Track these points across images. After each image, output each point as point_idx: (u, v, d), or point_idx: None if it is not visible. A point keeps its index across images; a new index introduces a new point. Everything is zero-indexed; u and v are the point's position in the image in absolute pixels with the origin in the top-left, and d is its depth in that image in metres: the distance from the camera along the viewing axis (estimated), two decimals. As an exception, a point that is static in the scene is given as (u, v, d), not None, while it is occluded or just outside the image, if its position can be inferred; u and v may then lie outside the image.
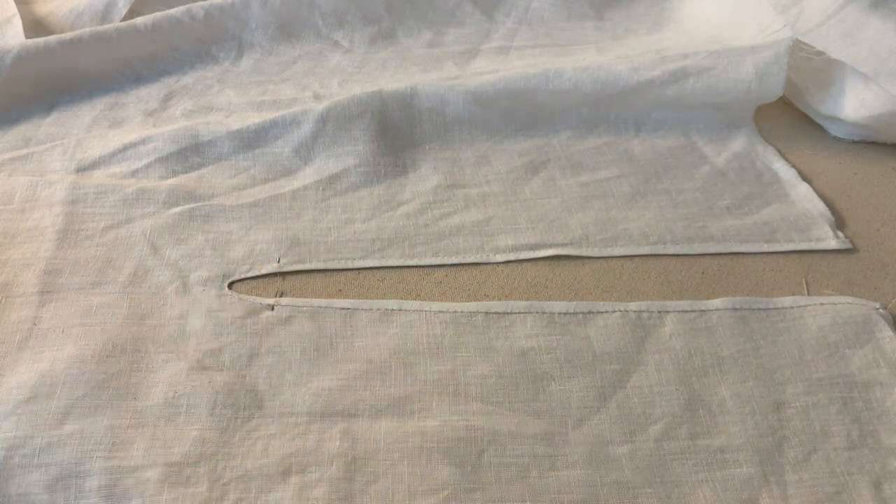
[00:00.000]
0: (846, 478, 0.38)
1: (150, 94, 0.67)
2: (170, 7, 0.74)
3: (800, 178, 0.58)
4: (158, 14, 0.71)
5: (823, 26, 0.61)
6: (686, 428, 0.40)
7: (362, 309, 0.47)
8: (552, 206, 0.55)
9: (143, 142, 0.58)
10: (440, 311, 0.47)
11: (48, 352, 0.43)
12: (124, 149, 0.58)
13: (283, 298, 0.47)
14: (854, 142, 0.64)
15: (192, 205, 0.54)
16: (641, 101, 0.63)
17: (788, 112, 0.68)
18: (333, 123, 0.59)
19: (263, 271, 0.49)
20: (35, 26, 0.74)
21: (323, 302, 0.47)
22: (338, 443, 0.39)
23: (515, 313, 0.47)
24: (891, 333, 0.45)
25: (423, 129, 0.62)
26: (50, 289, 0.47)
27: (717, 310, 0.47)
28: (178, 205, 0.54)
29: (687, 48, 0.65)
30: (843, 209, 0.56)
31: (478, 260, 0.51)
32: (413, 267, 0.51)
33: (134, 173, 0.57)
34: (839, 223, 0.54)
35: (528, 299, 0.48)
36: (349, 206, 0.55)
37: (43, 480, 0.37)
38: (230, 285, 0.48)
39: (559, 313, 0.47)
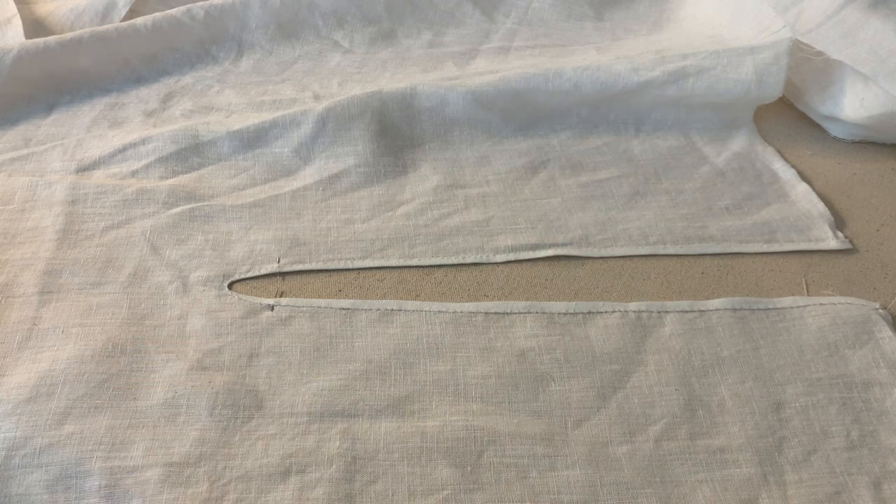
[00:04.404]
0: (846, 478, 0.38)
1: (150, 94, 0.67)
2: (170, 7, 0.74)
3: (799, 179, 0.58)
4: (158, 14, 0.71)
5: (823, 26, 0.61)
6: (686, 428, 0.40)
7: (362, 309, 0.47)
8: (552, 207, 0.55)
9: (143, 142, 0.58)
10: (440, 312, 0.47)
11: (48, 352, 0.43)
12: (124, 149, 0.58)
13: (283, 298, 0.47)
14: (854, 142, 0.64)
15: (192, 205, 0.54)
16: (641, 101, 0.63)
17: (788, 112, 0.68)
18: (333, 124, 0.59)
19: (263, 271, 0.49)
20: (35, 26, 0.74)
21: (323, 302, 0.47)
22: (338, 443, 0.39)
23: (515, 313, 0.47)
24: (890, 333, 0.45)
25: (423, 129, 0.62)
26: (50, 289, 0.47)
27: (717, 310, 0.47)
28: (178, 205, 0.54)
29: (687, 48, 0.65)
30: (843, 209, 0.56)
31: (478, 260, 0.51)
32: (413, 267, 0.51)
33: (134, 173, 0.57)
34: (839, 223, 0.55)
35: (527, 299, 0.48)
36: (349, 206, 0.55)
37: (43, 480, 0.37)
38: (230, 285, 0.48)
39: (559, 313, 0.47)
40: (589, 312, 0.47)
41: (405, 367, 0.43)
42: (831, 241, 0.52)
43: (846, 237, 0.53)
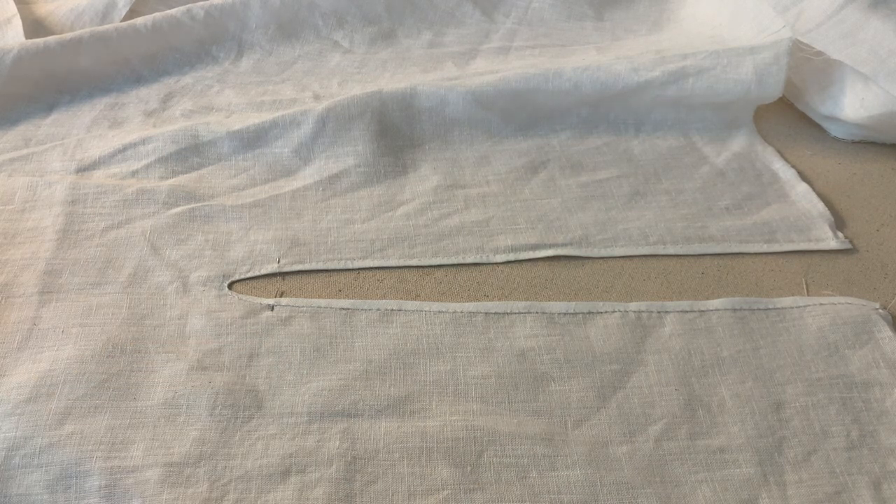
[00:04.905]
0: (846, 478, 0.38)
1: (150, 94, 0.67)
2: (170, 7, 0.74)
3: (799, 179, 0.58)
4: (158, 14, 0.71)
5: (823, 26, 0.61)
6: (686, 428, 0.40)
7: (362, 309, 0.47)
8: (552, 207, 0.55)
9: (143, 142, 0.58)
10: (440, 312, 0.47)
11: (48, 352, 0.43)
12: (124, 149, 0.58)
13: (283, 298, 0.47)
14: (854, 142, 0.64)
15: (192, 205, 0.54)
16: (641, 101, 0.63)
17: (788, 112, 0.68)
18: (333, 124, 0.59)
19: (263, 271, 0.49)
20: (35, 26, 0.74)
21: (323, 302, 0.47)
22: (338, 443, 0.39)
23: (515, 313, 0.47)
24: (890, 334, 0.45)
25: (423, 129, 0.62)
26: (50, 289, 0.47)
27: (717, 310, 0.47)
28: (178, 205, 0.54)
29: (687, 48, 0.65)
30: (843, 209, 0.56)
31: (477, 260, 0.51)
32: (413, 267, 0.51)
33: (134, 173, 0.57)
34: (839, 223, 0.55)
35: (527, 299, 0.48)
36: (349, 206, 0.55)
37: (43, 480, 0.37)
38: (230, 285, 0.48)
39: (559, 313, 0.47)
40: (589, 312, 0.47)
41: (405, 367, 0.43)
42: (831, 241, 0.52)
43: (846, 237, 0.53)
